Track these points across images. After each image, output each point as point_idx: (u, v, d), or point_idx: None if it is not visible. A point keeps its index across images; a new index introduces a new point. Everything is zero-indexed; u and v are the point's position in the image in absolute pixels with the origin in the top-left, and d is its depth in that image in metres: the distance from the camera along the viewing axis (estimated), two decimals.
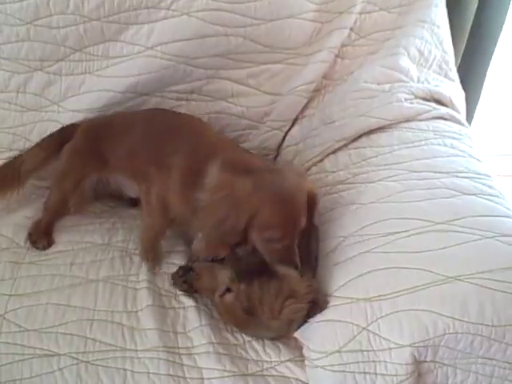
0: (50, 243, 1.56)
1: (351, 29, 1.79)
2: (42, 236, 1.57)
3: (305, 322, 1.28)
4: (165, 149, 1.45)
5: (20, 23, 1.59)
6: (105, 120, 1.63)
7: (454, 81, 1.84)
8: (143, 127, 1.54)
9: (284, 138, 1.87)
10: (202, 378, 1.24)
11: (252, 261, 1.29)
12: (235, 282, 1.28)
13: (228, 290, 1.30)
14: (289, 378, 1.26)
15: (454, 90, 1.80)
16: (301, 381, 1.25)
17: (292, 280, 1.27)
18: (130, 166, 1.54)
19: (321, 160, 1.70)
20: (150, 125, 1.55)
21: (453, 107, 1.73)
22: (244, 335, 1.32)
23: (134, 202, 1.70)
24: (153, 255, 1.48)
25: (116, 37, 1.65)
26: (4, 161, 1.67)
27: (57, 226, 1.61)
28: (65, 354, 1.26)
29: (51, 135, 1.68)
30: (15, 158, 1.65)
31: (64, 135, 1.65)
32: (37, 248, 1.54)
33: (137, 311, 1.35)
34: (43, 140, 1.67)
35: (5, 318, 1.32)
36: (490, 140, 2.82)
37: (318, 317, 1.25)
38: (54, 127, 1.70)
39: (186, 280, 1.38)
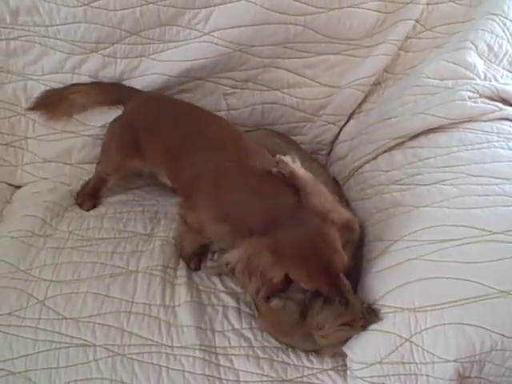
0: (95, 205, 1.66)
1: (417, 20, 1.73)
2: (87, 198, 1.67)
3: None
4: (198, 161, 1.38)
5: (77, 4, 1.58)
6: (144, 108, 1.60)
7: None
8: (177, 128, 1.47)
9: (339, 132, 1.83)
10: (239, 381, 1.23)
11: None
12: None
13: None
14: None
15: None
16: None
17: (356, 310, 1.21)
18: (164, 167, 1.52)
19: (375, 158, 1.64)
20: (185, 127, 1.48)
21: None
22: None
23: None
24: (195, 260, 1.47)
25: (172, 21, 1.63)
26: (59, 142, 1.74)
27: (99, 212, 1.63)
28: (101, 346, 1.26)
29: (111, 85, 1.70)
30: (69, 85, 1.69)
31: (122, 93, 1.67)
32: (82, 208, 1.64)
33: (174, 306, 1.34)
34: (101, 85, 1.70)
35: (44, 304, 1.32)
36: None
37: None
38: (106, 110, 1.71)
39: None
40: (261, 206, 1.21)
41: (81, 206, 1.64)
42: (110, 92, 1.69)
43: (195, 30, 1.64)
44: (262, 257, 1.15)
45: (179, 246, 1.48)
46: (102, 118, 1.71)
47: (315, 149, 1.85)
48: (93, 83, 1.70)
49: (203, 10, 1.61)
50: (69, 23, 1.61)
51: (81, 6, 1.58)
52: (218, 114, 1.70)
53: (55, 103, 1.69)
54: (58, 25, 1.62)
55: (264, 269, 1.15)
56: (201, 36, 1.64)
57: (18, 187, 1.76)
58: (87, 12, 1.59)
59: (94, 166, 1.73)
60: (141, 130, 1.51)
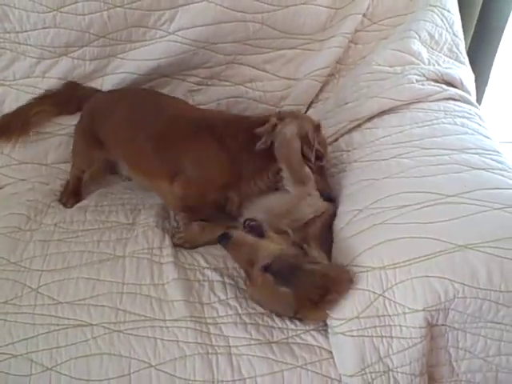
0: (78, 200, 1.74)
1: (364, 15, 1.86)
2: (71, 197, 1.75)
3: None
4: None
5: (47, 10, 1.65)
6: (98, 102, 1.71)
7: (464, 64, 1.89)
8: (125, 109, 1.62)
9: None
10: (229, 346, 1.30)
11: (284, 263, 1.31)
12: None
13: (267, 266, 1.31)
14: (313, 345, 1.31)
15: (464, 73, 1.84)
16: (324, 349, 1.30)
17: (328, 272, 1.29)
18: (123, 152, 1.65)
19: (336, 140, 1.75)
20: (133, 106, 1.62)
21: (463, 89, 1.77)
22: None
23: None
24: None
25: (139, 23, 1.71)
26: (35, 143, 1.81)
27: (80, 206, 1.70)
28: (97, 325, 1.32)
29: (68, 95, 1.78)
30: (26, 106, 1.76)
31: (80, 98, 1.75)
32: (66, 207, 1.71)
33: (163, 284, 1.41)
34: (59, 97, 1.77)
35: (38, 292, 1.38)
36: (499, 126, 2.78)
37: None
38: None
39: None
40: None
41: (65, 205, 1.71)
42: (69, 102, 1.77)
43: (160, 30, 1.73)
44: None
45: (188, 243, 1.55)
46: (77, 116, 1.77)
47: None
48: (49, 96, 1.76)
49: (167, 11, 1.71)
50: (38, 29, 1.68)
51: (50, 12, 1.65)
52: None
53: (19, 129, 1.75)
54: (28, 31, 1.68)
55: None
56: (166, 36, 1.73)
57: None
58: (56, 17, 1.66)
59: (70, 165, 1.79)
60: (97, 124, 1.63)
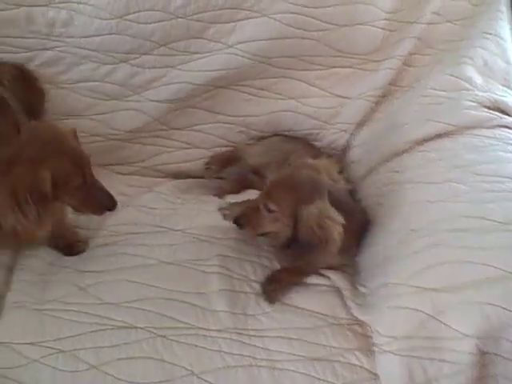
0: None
1: (419, 38, 1.86)
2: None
3: None
4: None
5: (110, 17, 1.69)
6: None
7: None
8: None
9: (351, 139, 1.93)
10: (272, 360, 1.30)
11: None
12: None
13: None
14: (355, 365, 1.30)
15: None
16: (365, 369, 1.30)
17: None
18: None
19: (387, 161, 1.76)
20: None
21: None
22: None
23: None
24: None
25: (199, 34, 1.75)
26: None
27: (131, 209, 1.71)
28: (142, 328, 1.33)
29: None
30: None
31: None
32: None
33: (208, 293, 1.41)
34: None
35: (86, 291, 1.41)
36: None
37: (389, 302, 1.31)
38: (134, 115, 1.83)
39: None
40: None
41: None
42: None
43: (220, 42, 1.76)
44: None
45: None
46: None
47: (331, 153, 1.93)
48: None
49: (227, 24, 1.74)
50: (101, 35, 1.72)
51: (113, 19, 1.69)
52: (237, 119, 1.86)
53: None
54: (90, 36, 1.72)
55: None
56: (225, 48, 1.77)
57: None
58: (119, 24, 1.70)
59: None
60: None
